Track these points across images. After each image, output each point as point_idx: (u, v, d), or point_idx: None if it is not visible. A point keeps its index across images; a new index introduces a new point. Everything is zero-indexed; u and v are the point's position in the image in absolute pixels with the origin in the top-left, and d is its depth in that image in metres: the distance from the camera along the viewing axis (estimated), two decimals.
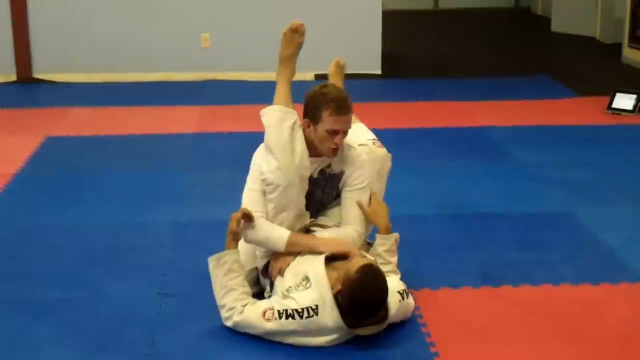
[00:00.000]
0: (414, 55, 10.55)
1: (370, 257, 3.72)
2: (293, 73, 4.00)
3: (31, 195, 5.46)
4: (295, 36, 3.97)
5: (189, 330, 3.67)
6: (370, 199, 3.89)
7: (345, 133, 3.76)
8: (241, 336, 3.59)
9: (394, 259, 3.86)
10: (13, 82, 8.75)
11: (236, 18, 8.86)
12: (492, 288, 4.08)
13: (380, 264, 3.73)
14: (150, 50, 8.85)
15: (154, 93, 8.37)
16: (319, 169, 3.84)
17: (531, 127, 7.02)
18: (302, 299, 3.50)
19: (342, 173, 3.87)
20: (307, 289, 3.53)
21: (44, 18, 8.72)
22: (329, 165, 3.85)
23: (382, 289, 3.48)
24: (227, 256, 3.69)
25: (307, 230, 3.85)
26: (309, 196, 3.86)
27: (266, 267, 3.82)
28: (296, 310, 3.48)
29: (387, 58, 9.08)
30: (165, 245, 4.62)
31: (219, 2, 8.84)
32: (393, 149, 4.19)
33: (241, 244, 3.79)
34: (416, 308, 3.79)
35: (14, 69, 8.77)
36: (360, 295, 3.41)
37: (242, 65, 8.88)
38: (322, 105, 3.69)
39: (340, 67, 4.46)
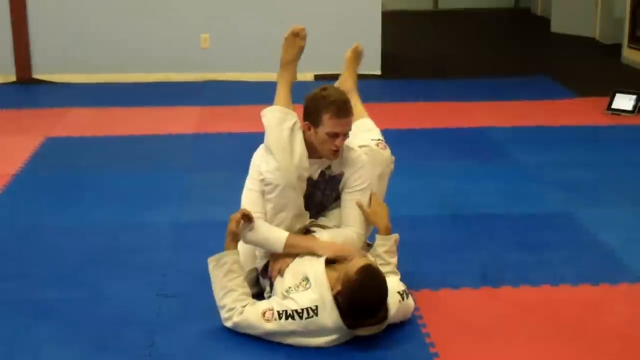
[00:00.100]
0: (414, 55, 10.55)
1: (370, 258, 3.72)
2: (294, 76, 4.01)
3: (31, 196, 5.46)
4: (296, 40, 3.98)
5: (188, 331, 3.67)
6: (370, 199, 3.89)
7: (345, 135, 3.76)
8: (241, 337, 3.59)
9: (394, 260, 3.85)
10: (12, 83, 8.74)
11: (236, 19, 8.85)
12: (492, 288, 4.08)
13: (380, 264, 3.73)
14: (149, 51, 8.85)
15: (154, 93, 8.36)
16: (319, 170, 3.84)
17: (531, 128, 7.02)
18: (301, 300, 3.50)
19: (341, 174, 3.87)
20: (307, 289, 3.53)
21: (43, 18, 8.71)
22: (329, 167, 3.85)
23: (382, 290, 3.48)
24: (227, 257, 3.69)
25: (307, 231, 3.85)
26: (309, 198, 3.86)
27: (266, 268, 3.82)
28: (296, 310, 3.49)
29: (387, 58, 9.08)
30: (165, 246, 4.61)
31: (218, 3, 8.84)
32: (393, 149, 4.18)
33: (241, 244, 3.79)
34: (416, 309, 3.79)
35: (13, 70, 8.77)
36: (359, 296, 3.41)
37: (242, 65, 8.88)
38: (323, 108, 3.69)
39: (357, 53, 4.45)
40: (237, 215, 3.70)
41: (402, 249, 3.96)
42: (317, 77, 8.61)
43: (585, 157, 6.23)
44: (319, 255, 3.67)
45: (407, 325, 3.69)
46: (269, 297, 3.74)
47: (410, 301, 3.73)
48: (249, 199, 3.80)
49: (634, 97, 7.34)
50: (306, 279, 3.57)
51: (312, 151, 3.77)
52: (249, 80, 8.76)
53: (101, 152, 6.44)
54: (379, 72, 8.91)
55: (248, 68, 8.85)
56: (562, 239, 4.69)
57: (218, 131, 6.94)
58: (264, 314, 3.54)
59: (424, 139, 6.70)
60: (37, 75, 8.80)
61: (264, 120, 3.82)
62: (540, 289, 4.07)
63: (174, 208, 5.19)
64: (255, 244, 3.80)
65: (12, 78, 8.78)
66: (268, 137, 3.76)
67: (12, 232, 4.85)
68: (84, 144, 6.67)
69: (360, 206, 3.85)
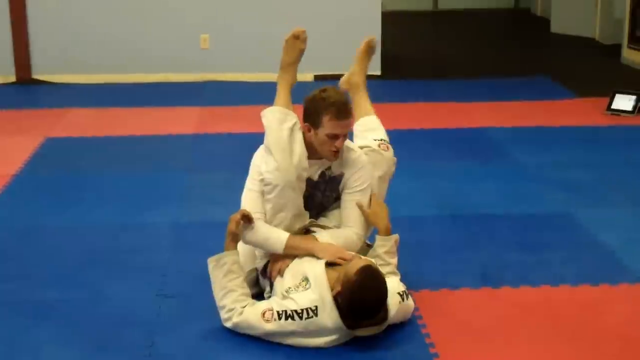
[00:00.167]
0: (414, 56, 10.55)
1: (370, 260, 3.72)
2: (294, 78, 4.01)
3: (31, 196, 5.46)
4: (297, 42, 3.99)
5: (188, 331, 3.67)
6: (370, 200, 3.89)
7: (345, 136, 3.76)
8: (241, 337, 3.59)
9: (394, 261, 3.85)
10: (12, 83, 8.74)
11: (235, 19, 8.85)
12: (492, 289, 4.08)
13: (380, 265, 3.72)
14: (149, 51, 8.85)
15: (154, 94, 8.36)
16: (319, 171, 3.84)
17: (531, 128, 7.02)
18: (301, 300, 3.50)
19: (342, 175, 3.87)
20: (307, 289, 3.53)
21: (43, 19, 8.71)
22: (329, 168, 3.85)
23: (382, 291, 3.48)
24: (227, 257, 3.69)
25: (307, 231, 3.85)
26: (310, 199, 3.86)
27: (266, 268, 3.82)
28: (296, 311, 3.48)
29: (387, 59, 9.08)
30: (165, 246, 4.61)
31: (218, 3, 8.84)
32: (393, 150, 4.18)
33: (240, 245, 3.79)
34: (416, 309, 3.79)
35: (13, 70, 8.76)
36: (359, 297, 3.41)
37: (241, 66, 8.88)
38: (322, 110, 3.69)
39: (370, 47, 4.43)
40: (237, 215, 3.70)
41: (402, 250, 3.96)
42: (317, 78, 8.61)
43: (585, 157, 6.23)
44: (319, 258, 3.67)
45: (407, 326, 3.69)
46: (269, 297, 3.74)
47: (410, 302, 3.72)
48: (249, 200, 3.80)
49: (633, 97, 7.34)
50: (306, 279, 3.57)
51: (312, 152, 3.77)
52: (248, 80, 8.76)
53: (101, 153, 6.44)
54: (379, 73, 8.91)
55: (248, 68, 8.85)
56: (562, 239, 4.69)
57: (218, 131, 6.94)
58: (263, 314, 3.54)
59: (424, 140, 6.70)
60: (36, 75, 8.80)
61: (264, 120, 3.82)
62: (540, 289, 4.07)
63: (173, 208, 5.18)
64: (255, 244, 3.81)
65: (12, 78, 8.78)
66: (268, 137, 3.76)
67: (12, 232, 4.85)
68: (83, 145, 6.67)
69: (360, 207, 3.85)
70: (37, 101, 8.22)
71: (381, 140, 4.13)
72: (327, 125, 3.69)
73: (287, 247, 3.71)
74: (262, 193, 3.76)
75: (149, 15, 8.82)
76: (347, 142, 3.84)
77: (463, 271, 4.26)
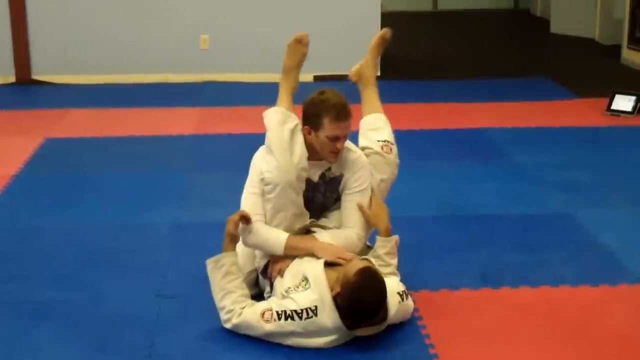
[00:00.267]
0: (413, 56, 10.54)
1: (370, 258, 3.72)
2: (296, 82, 4.03)
3: (30, 197, 5.46)
4: (299, 47, 4.01)
5: (188, 332, 3.67)
6: (370, 201, 3.88)
7: (345, 137, 3.76)
8: (240, 338, 3.59)
9: (394, 261, 3.85)
10: (12, 84, 8.74)
11: (235, 20, 8.85)
12: (492, 289, 4.08)
13: (380, 266, 3.72)
14: (149, 52, 8.85)
15: (153, 94, 8.36)
16: (319, 172, 3.84)
17: (531, 129, 7.02)
18: (301, 300, 3.50)
19: (341, 176, 3.87)
20: (307, 289, 3.53)
21: (43, 19, 8.71)
22: (329, 169, 3.85)
23: (381, 291, 3.48)
24: (225, 259, 3.69)
25: (307, 231, 3.85)
26: (310, 201, 3.86)
27: (266, 268, 3.82)
28: (295, 311, 3.48)
29: (387, 59, 9.06)
30: (165, 247, 4.61)
31: (217, 4, 8.84)
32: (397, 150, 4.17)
33: (239, 246, 3.79)
34: (416, 309, 3.79)
35: (12, 71, 8.76)
36: (358, 298, 3.41)
37: (241, 66, 8.88)
38: (322, 112, 3.69)
39: (384, 40, 4.40)
40: (235, 217, 3.70)
41: (402, 250, 3.96)
42: (317, 78, 8.61)
43: (585, 158, 6.23)
44: (318, 257, 3.67)
45: (406, 326, 3.69)
46: (269, 297, 3.74)
47: (410, 302, 3.72)
48: (249, 202, 3.80)
49: (633, 98, 7.34)
50: (305, 279, 3.57)
51: (312, 153, 3.77)
52: (248, 81, 8.76)
53: (101, 153, 6.44)
54: (378, 73, 8.86)
55: (247, 69, 8.85)
56: (561, 240, 4.69)
57: (217, 132, 6.94)
58: (263, 314, 3.54)
59: (424, 140, 6.70)
60: (36, 76, 8.80)
61: (266, 121, 3.83)
62: (539, 290, 4.07)
63: (173, 209, 5.18)
64: (255, 246, 3.81)
65: (12, 79, 8.77)
66: (269, 137, 3.77)
67: (11, 233, 4.85)
68: (83, 145, 6.66)
69: (360, 208, 3.85)
70: (36, 102, 8.22)
71: (385, 141, 4.10)
72: (328, 128, 3.70)
73: (286, 247, 3.71)
74: (262, 195, 3.76)
75: (149, 15, 8.82)
76: (347, 143, 3.84)
77: (463, 272, 4.26)
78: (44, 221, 5.03)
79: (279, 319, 3.50)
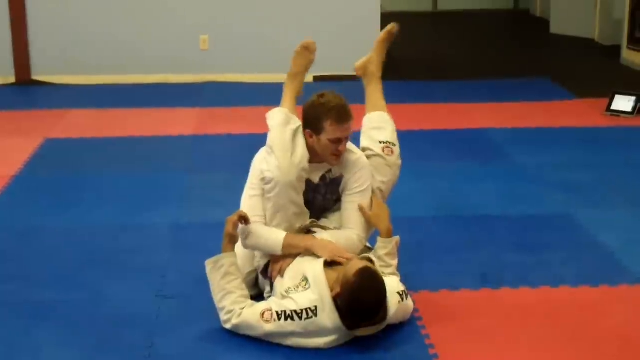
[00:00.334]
0: (413, 57, 10.54)
1: (371, 256, 3.72)
2: (300, 88, 4.06)
3: (30, 197, 5.46)
4: (306, 53, 4.06)
5: (188, 332, 3.67)
6: (371, 202, 3.88)
7: (347, 139, 3.76)
8: (240, 338, 3.59)
9: (395, 262, 3.85)
10: (12, 84, 8.74)
11: (235, 20, 8.85)
12: (492, 290, 4.08)
13: (381, 266, 3.72)
14: (149, 52, 8.84)
15: (153, 95, 8.36)
16: (320, 174, 3.83)
17: (530, 129, 7.02)
18: (301, 300, 3.50)
19: (341, 177, 3.87)
20: (307, 290, 3.53)
21: (43, 20, 8.71)
22: (330, 171, 3.85)
23: (381, 292, 3.48)
24: (224, 259, 3.69)
25: (307, 231, 3.85)
26: (311, 203, 3.86)
27: (266, 268, 3.82)
28: (295, 311, 3.48)
29: (386, 60, 9.06)
30: (165, 247, 4.61)
31: (217, 4, 8.83)
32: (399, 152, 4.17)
33: (238, 247, 3.79)
34: (415, 310, 3.79)
35: (12, 71, 8.76)
36: (358, 298, 3.41)
37: (241, 67, 8.87)
38: (323, 115, 3.69)
39: (391, 35, 4.37)
40: (234, 217, 3.70)
41: (402, 250, 3.96)
42: (317, 79, 8.61)
43: (584, 158, 6.23)
44: (318, 255, 3.67)
45: (406, 327, 3.69)
46: (269, 297, 3.74)
47: (409, 302, 3.72)
48: (248, 204, 3.80)
49: (633, 98, 7.34)
50: (305, 280, 3.57)
51: (314, 156, 3.77)
52: (248, 81, 8.75)
53: (101, 154, 6.44)
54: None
55: (247, 69, 8.84)
56: (561, 240, 4.69)
57: (217, 132, 6.94)
58: (262, 314, 3.54)
59: (424, 141, 6.70)
60: (36, 76, 8.80)
61: (269, 121, 3.83)
62: (539, 290, 4.07)
63: (173, 209, 5.18)
64: (255, 247, 3.81)
65: (12, 79, 8.77)
66: (271, 137, 3.77)
67: (11, 233, 4.85)
68: (83, 145, 6.67)
69: (361, 209, 3.84)
70: (36, 102, 8.22)
71: (386, 142, 4.07)
72: (329, 131, 3.69)
73: (285, 246, 3.70)
74: (262, 196, 3.76)
75: (149, 16, 8.82)
76: (347, 144, 3.84)
77: (463, 272, 4.26)
78: (44, 221, 5.03)
79: (279, 319, 3.50)
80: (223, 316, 3.64)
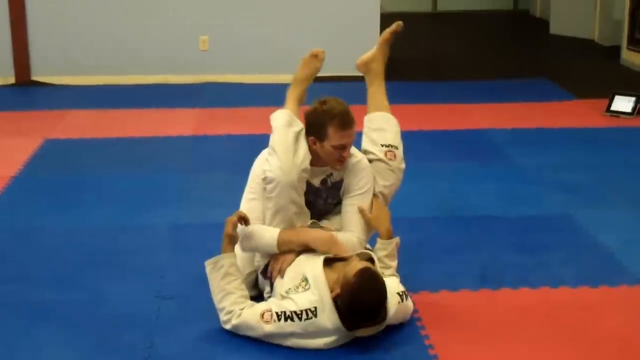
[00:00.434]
0: (413, 57, 10.54)
1: (372, 254, 3.72)
2: (304, 95, 4.05)
3: (30, 198, 5.46)
4: (314, 61, 4.08)
5: (187, 333, 3.67)
6: (371, 204, 3.87)
7: (351, 145, 3.76)
8: (240, 339, 3.59)
9: (394, 263, 3.85)
10: (12, 85, 8.74)
11: (234, 21, 8.84)
12: (491, 290, 4.07)
13: (380, 268, 3.72)
14: (148, 53, 8.84)
15: (153, 95, 8.36)
16: (321, 178, 3.83)
17: (530, 130, 7.03)
18: (301, 301, 3.50)
19: (342, 181, 3.86)
20: (306, 290, 3.53)
21: (42, 20, 8.71)
22: (331, 174, 3.85)
23: (381, 292, 3.48)
24: (224, 260, 3.69)
25: None
26: (311, 207, 3.86)
27: (266, 268, 3.81)
28: (295, 312, 3.48)
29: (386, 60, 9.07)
30: (164, 248, 4.61)
31: (217, 5, 8.83)
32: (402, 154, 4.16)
33: (238, 247, 3.79)
34: (415, 310, 3.78)
35: (12, 72, 8.76)
36: (358, 299, 3.41)
37: (241, 67, 8.87)
38: (326, 122, 3.69)
39: (397, 33, 4.36)
40: (233, 218, 3.70)
41: (402, 251, 3.95)
42: (316, 79, 8.57)
43: (584, 158, 6.23)
44: (314, 249, 3.67)
45: (406, 327, 3.69)
46: (269, 297, 3.74)
47: (409, 303, 3.72)
48: (247, 208, 3.80)
49: (633, 99, 7.34)
50: (305, 280, 3.57)
51: (316, 159, 3.77)
52: (247, 82, 8.74)
53: (100, 154, 6.44)
54: None
55: (247, 70, 8.84)
56: (561, 241, 4.69)
57: (217, 133, 6.94)
58: (262, 315, 3.54)
59: (424, 141, 6.69)
60: (36, 77, 8.80)
61: (272, 122, 3.82)
62: (539, 291, 4.06)
63: (173, 210, 5.18)
64: (252, 249, 3.81)
65: (11, 80, 8.77)
66: (273, 137, 3.77)
67: (11, 234, 4.85)
68: (83, 146, 6.67)
69: (361, 211, 3.84)
70: (36, 103, 8.22)
71: (389, 146, 4.02)
72: (333, 137, 3.69)
73: (279, 242, 3.70)
74: (261, 200, 3.76)
75: (148, 16, 8.82)
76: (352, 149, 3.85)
77: (462, 273, 4.26)
78: (44, 222, 5.03)
79: (279, 319, 3.50)
80: (223, 317, 3.64)
